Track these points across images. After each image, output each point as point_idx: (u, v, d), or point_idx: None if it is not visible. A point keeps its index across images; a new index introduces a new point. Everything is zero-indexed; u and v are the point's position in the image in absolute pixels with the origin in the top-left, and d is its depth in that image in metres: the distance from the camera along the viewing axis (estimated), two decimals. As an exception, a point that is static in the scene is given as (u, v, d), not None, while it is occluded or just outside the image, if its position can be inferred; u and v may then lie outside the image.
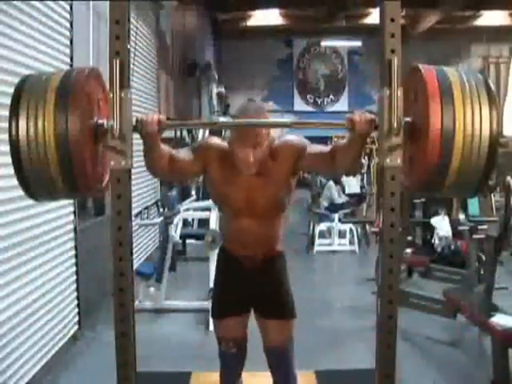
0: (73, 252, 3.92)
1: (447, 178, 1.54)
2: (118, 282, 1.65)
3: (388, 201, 1.62)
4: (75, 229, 3.95)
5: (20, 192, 1.63)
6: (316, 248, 7.25)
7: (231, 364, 2.29)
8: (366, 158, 9.17)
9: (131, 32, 1.74)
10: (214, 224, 4.36)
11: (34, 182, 1.57)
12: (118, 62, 1.58)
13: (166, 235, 4.79)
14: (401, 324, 1.69)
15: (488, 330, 3.22)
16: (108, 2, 1.63)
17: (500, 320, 3.13)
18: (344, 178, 8.27)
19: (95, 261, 4.23)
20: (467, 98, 1.51)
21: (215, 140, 2.10)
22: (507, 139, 7.85)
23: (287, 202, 2.10)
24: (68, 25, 3.85)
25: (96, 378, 3.07)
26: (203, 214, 5.43)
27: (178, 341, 3.97)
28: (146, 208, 6.02)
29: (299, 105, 14.01)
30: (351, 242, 7.34)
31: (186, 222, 6.68)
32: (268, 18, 11.89)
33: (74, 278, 3.93)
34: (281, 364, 2.24)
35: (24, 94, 1.55)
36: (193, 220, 7.44)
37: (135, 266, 4.84)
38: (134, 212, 4.66)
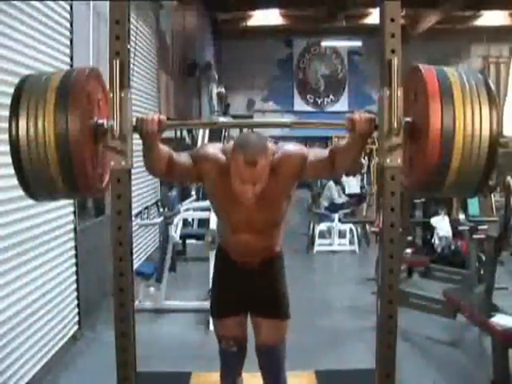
0: (73, 252, 3.92)
1: (447, 178, 1.54)
2: (118, 282, 1.65)
3: (388, 201, 1.62)
4: (75, 229, 3.95)
5: (20, 192, 1.63)
6: (316, 248, 7.25)
7: (231, 362, 2.29)
8: (366, 158, 9.18)
9: (131, 32, 1.73)
10: (214, 224, 4.35)
11: (34, 181, 1.57)
12: (117, 62, 1.58)
13: (166, 235, 4.79)
14: (401, 324, 1.69)
15: (488, 330, 3.22)
16: (108, 2, 1.63)
17: (500, 320, 3.13)
18: (344, 178, 8.27)
19: (95, 261, 4.23)
20: (467, 97, 1.51)
21: (215, 150, 1.99)
22: (507, 139, 7.85)
23: (287, 210, 2.07)
24: (68, 25, 3.85)
25: (96, 378, 3.07)
26: (203, 214, 5.44)
27: (178, 341, 3.97)
28: (146, 208, 6.02)
29: (299, 105, 14.00)
30: (351, 242, 7.34)
31: (185, 222, 6.68)
32: (268, 17, 11.89)
33: (74, 278, 3.93)
34: (272, 365, 2.23)
35: (24, 93, 1.55)
36: (193, 220, 7.43)
37: (135, 266, 4.84)
38: (134, 212, 4.66)
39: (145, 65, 6.40)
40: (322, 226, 7.51)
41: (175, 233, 4.93)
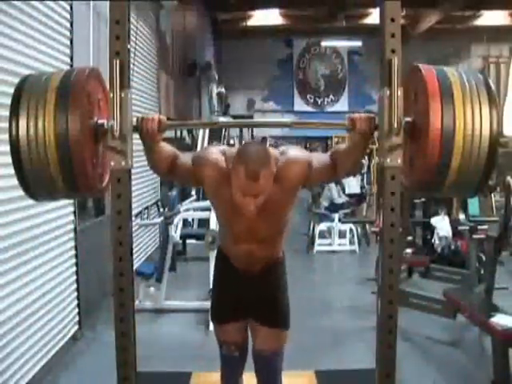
0: (73, 252, 3.92)
1: (447, 178, 1.54)
2: (118, 282, 1.65)
3: (388, 201, 1.62)
4: (75, 229, 3.95)
5: (20, 192, 1.63)
6: (316, 248, 7.25)
7: (233, 366, 2.26)
8: (366, 158, 9.18)
9: (131, 32, 1.73)
10: (214, 224, 4.36)
11: (34, 181, 1.57)
12: (117, 62, 1.58)
13: (166, 235, 4.79)
14: (401, 324, 1.69)
15: (488, 329, 3.22)
16: (108, 2, 1.63)
17: (500, 320, 3.13)
18: (344, 178, 8.27)
19: (95, 261, 4.23)
20: (467, 97, 1.51)
21: (216, 155, 1.91)
22: (507, 139, 7.85)
23: (291, 215, 2.02)
24: (68, 25, 3.85)
25: (96, 378, 3.07)
26: (203, 214, 5.44)
27: (178, 341, 3.97)
28: (146, 208, 6.02)
29: (299, 105, 14.01)
30: (351, 242, 7.34)
31: (185, 222, 6.68)
32: (268, 17, 11.89)
33: (74, 278, 3.93)
34: (267, 373, 2.20)
35: (24, 93, 1.55)
36: (193, 220, 7.43)
37: (135, 266, 4.84)
38: (134, 212, 4.66)
39: (145, 65, 6.40)
40: (322, 226, 7.51)
41: (175, 233, 4.93)
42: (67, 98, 1.53)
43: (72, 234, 3.91)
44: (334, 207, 7.72)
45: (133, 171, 1.68)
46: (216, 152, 1.93)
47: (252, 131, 10.79)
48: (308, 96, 14.13)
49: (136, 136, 1.69)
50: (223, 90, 9.55)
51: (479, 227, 4.56)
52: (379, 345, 1.69)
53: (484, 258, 4.70)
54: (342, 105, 13.99)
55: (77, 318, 3.95)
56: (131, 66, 1.70)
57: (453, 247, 5.89)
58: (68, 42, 3.85)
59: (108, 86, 1.61)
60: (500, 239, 3.68)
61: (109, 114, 1.62)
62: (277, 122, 2.68)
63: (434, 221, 5.99)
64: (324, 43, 13.40)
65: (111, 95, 1.59)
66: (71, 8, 3.89)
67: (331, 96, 14.15)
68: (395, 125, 1.57)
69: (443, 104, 1.50)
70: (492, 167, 1.53)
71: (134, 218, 4.49)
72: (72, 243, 3.91)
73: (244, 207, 1.79)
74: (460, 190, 1.66)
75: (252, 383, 2.24)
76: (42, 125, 1.51)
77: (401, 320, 1.67)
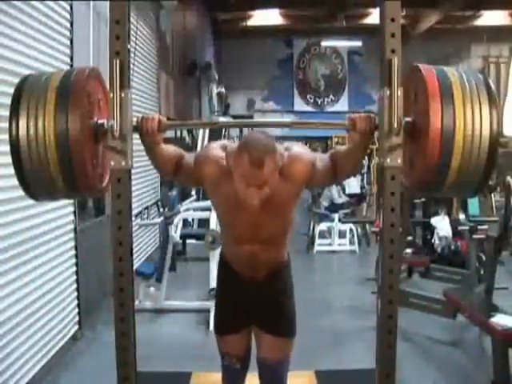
0: (73, 252, 3.92)
1: (447, 178, 1.54)
2: (118, 281, 1.65)
3: (388, 201, 1.62)
4: (75, 229, 3.95)
5: (20, 192, 1.63)
6: (316, 248, 7.25)
7: (233, 376, 2.20)
8: (366, 158, 9.18)
9: (131, 32, 1.73)
10: (214, 224, 4.36)
11: (34, 181, 1.57)
12: (117, 61, 1.58)
13: (166, 235, 4.79)
14: (401, 324, 1.69)
15: (488, 329, 3.22)
16: (108, 2, 1.63)
17: (500, 320, 3.13)
18: (344, 181, 8.28)
19: (95, 261, 4.23)
20: (467, 97, 1.51)
21: (217, 151, 1.86)
22: (507, 139, 7.86)
23: (294, 217, 1.96)
24: (68, 25, 3.85)
25: (96, 378, 3.07)
26: (203, 214, 5.44)
27: (178, 341, 3.97)
28: (146, 208, 6.02)
29: (299, 105, 14.01)
30: (351, 242, 7.34)
31: (185, 222, 6.68)
32: (268, 17, 11.90)
33: (74, 278, 3.93)
34: (273, 381, 2.14)
35: (24, 93, 1.55)
36: (193, 220, 7.44)
37: (135, 266, 4.84)
38: (134, 212, 4.66)
39: (145, 65, 6.40)
40: (322, 226, 7.51)
41: (175, 233, 4.93)
42: (67, 97, 1.53)
43: (72, 234, 3.91)
44: (333, 207, 7.72)
45: (133, 171, 1.68)
46: (216, 148, 1.88)
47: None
48: (308, 96, 14.13)
49: (136, 136, 1.69)
50: (223, 89, 9.56)
51: (479, 227, 4.56)
52: (379, 345, 1.69)
53: (484, 258, 4.70)
54: (342, 105, 13.99)
55: (77, 318, 3.94)
56: (131, 65, 1.70)
57: (453, 247, 5.90)
58: (68, 42, 3.85)
59: (108, 86, 1.61)
60: (500, 239, 3.68)
61: (109, 114, 1.62)
62: (277, 122, 2.67)
63: (434, 221, 5.99)
64: (324, 43, 13.40)
65: (111, 95, 1.59)
66: (71, 8, 3.89)
67: (331, 96, 14.15)
68: (395, 125, 1.57)
69: (443, 104, 1.50)
70: (492, 167, 1.53)
71: (134, 218, 4.49)
72: (72, 243, 3.91)
73: (247, 200, 1.72)
74: (460, 190, 1.66)
75: (252, 383, 2.23)
76: (42, 125, 1.51)
77: (401, 320, 1.67)
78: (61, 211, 3.69)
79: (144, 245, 6.39)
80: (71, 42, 3.89)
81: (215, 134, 7.94)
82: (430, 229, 6.10)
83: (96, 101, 1.66)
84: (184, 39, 8.99)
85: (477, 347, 3.77)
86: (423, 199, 6.29)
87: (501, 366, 3.02)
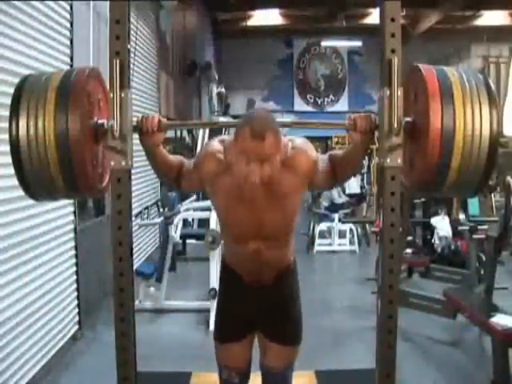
0: (73, 252, 3.92)
1: (447, 178, 1.54)
2: (118, 281, 1.65)
3: (388, 201, 1.62)
4: (75, 229, 3.95)
5: (20, 192, 1.63)
6: (316, 248, 7.25)
7: None
8: (366, 157, 9.19)
9: (131, 32, 1.73)
10: (214, 224, 4.36)
11: (34, 181, 1.57)
12: (117, 61, 1.58)
13: (166, 235, 4.79)
14: (401, 324, 1.69)
15: (488, 329, 3.22)
16: (108, 2, 1.63)
17: (500, 320, 3.13)
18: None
19: (95, 261, 4.23)
20: (467, 97, 1.51)
21: (213, 146, 1.83)
22: (507, 139, 7.87)
23: (298, 216, 1.89)
24: (68, 25, 3.85)
25: (96, 378, 3.07)
26: (203, 214, 5.44)
27: (178, 341, 3.97)
28: (146, 208, 6.02)
29: (299, 105, 14.03)
30: (351, 242, 7.34)
31: (185, 222, 6.68)
32: (268, 17, 11.91)
33: (74, 278, 3.93)
34: None
35: (24, 93, 1.55)
36: (193, 220, 7.44)
37: (135, 266, 4.84)
38: (134, 212, 4.66)
39: (145, 65, 6.40)
40: (322, 226, 7.51)
41: (175, 233, 4.93)
42: (67, 97, 1.53)
43: (72, 234, 3.91)
44: (334, 207, 7.72)
45: (133, 171, 1.68)
46: (214, 144, 1.84)
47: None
48: (308, 96, 14.14)
49: (136, 136, 1.69)
50: (223, 89, 9.57)
51: (479, 227, 4.56)
52: (379, 345, 1.69)
53: (484, 258, 4.70)
54: (342, 105, 14.01)
55: (77, 318, 3.94)
56: (131, 65, 1.70)
57: (453, 247, 5.90)
58: (68, 42, 3.85)
59: (108, 86, 1.61)
60: (500, 239, 3.68)
61: (109, 114, 1.61)
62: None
63: (433, 221, 5.99)
64: (324, 43, 13.42)
65: (111, 95, 1.59)
66: (71, 8, 3.89)
67: (331, 96, 14.16)
68: (395, 125, 1.57)
69: (443, 104, 1.50)
70: (492, 167, 1.53)
71: (134, 218, 4.49)
72: (72, 243, 3.91)
73: (248, 178, 1.64)
74: (460, 190, 1.66)
75: (253, 383, 2.23)
76: (42, 125, 1.51)
77: (401, 320, 1.67)
78: (61, 211, 3.69)
79: (144, 245, 6.39)
80: (71, 42, 3.89)
81: (215, 134, 7.95)
82: (430, 229, 6.10)
83: (96, 101, 1.66)
84: (184, 39, 8.99)
85: (477, 347, 3.77)
86: (423, 199, 6.29)
87: (501, 366, 3.02)
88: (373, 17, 11.22)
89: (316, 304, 4.72)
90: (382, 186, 1.65)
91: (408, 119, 1.61)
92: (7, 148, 1.55)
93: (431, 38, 11.58)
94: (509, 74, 10.83)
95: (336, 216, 7.35)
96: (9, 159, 1.55)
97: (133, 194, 1.81)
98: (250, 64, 12.99)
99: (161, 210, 5.99)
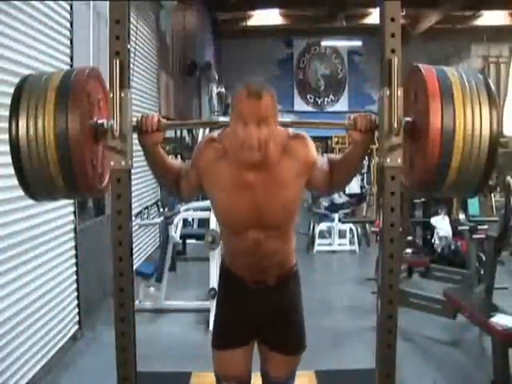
0: (73, 252, 3.92)
1: (447, 178, 1.54)
2: (118, 282, 1.65)
3: (388, 201, 1.62)
4: (75, 229, 3.95)
5: (20, 192, 1.63)
6: (316, 248, 7.25)
7: None
8: (366, 157, 9.19)
9: (131, 32, 1.73)
10: (214, 224, 4.36)
11: (34, 181, 1.57)
12: (117, 61, 1.58)
13: (166, 235, 4.79)
14: (401, 324, 1.69)
15: (488, 329, 3.22)
16: (108, 2, 1.63)
17: (500, 320, 3.13)
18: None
19: (95, 261, 4.23)
20: (467, 97, 1.51)
21: (210, 137, 1.81)
22: (507, 139, 7.87)
23: (299, 210, 1.84)
24: (68, 25, 3.86)
25: (96, 378, 3.07)
26: (203, 214, 5.43)
27: (178, 341, 3.97)
28: (146, 208, 6.02)
29: (299, 105, 14.02)
30: (351, 242, 7.34)
31: (185, 222, 6.68)
32: (268, 17, 11.91)
33: (74, 278, 3.93)
34: None
35: (24, 93, 1.55)
36: (193, 220, 7.44)
37: (135, 266, 4.84)
38: (134, 212, 4.66)
39: (145, 65, 6.40)
40: (322, 226, 7.51)
41: (175, 233, 4.93)
42: (67, 97, 1.53)
43: (72, 234, 3.91)
44: (334, 207, 7.72)
45: (133, 171, 1.68)
46: (209, 136, 1.83)
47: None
48: (308, 96, 14.14)
49: (136, 136, 1.69)
50: (223, 89, 9.56)
51: (479, 227, 4.56)
52: (379, 345, 1.69)
53: (484, 258, 4.70)
54: (342, 105, 14.01)
55: (77, 318, 3.94)
56: (131, 65, 1.70)
57: (453, 247, 5.89)
58: (68, 42, 3.85)
59: (108, 86, 1.61)
60: (500, 239, 3.68)
61: (109, 114, 1.61)
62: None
63: (433, 221, 5.99)
64: (324, 43, 13.42)
65: (111, 95, 1.59)
66: (71, 8, 3.89)
67: (331, 96, 14.16)
68: (395, 125, 1.57)
69: (443, 104, 1.50)
70: (492, 167, 1.53)
71: (134, 218, 4.49)
72: (72, 243, 3.91)
73: (245, 141, 1.61)
74: (460, 190, 1.66)
75: (253, 383, 2.22)
76: (42, 125, 1.51)
77: (401, 320, 1.67)
78: (61, 211, 3.69)
79: (144, 245, 6.39)
80: (71, 42, 3.89)
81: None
82: (430, 229, 6.10)
83: (96, 101, 1.66)
84: (184, 39, 8.99)
85: (477, 347, 3.77)
86: (423, 199, 6.29)
87: (501, 366, 3.02)
88: (373, 17, 11.22)
89: (316, 304, 4.72)
90: (381, 186, 1.65)
91: (408, 119, 1.61)
92: (7, 148, 1.55)
93: (431, 38, 11.58)
94: (509, 73, 10.83)
95: (336, 216, 7.35)
96: (9, 159, 1.55)
97: (133, 194, 1.80)
98: (250, 64, 12.97)
99: (161, 209, 5.99)
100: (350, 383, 3.00)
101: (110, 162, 1.63)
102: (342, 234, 7.46)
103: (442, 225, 5.92)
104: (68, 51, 3.84)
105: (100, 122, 1.63)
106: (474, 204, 5.36)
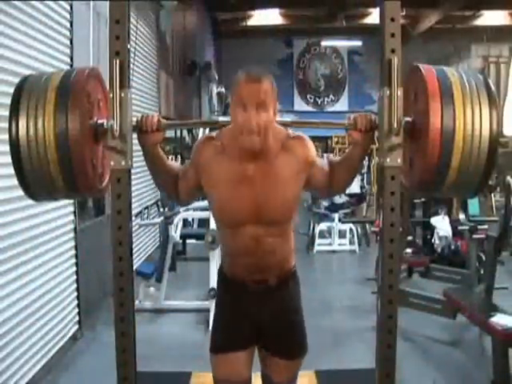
0: (73, 252, 3.92)
1: (447, 178, 1.54)
2: (118, 281, 1.65)
3: (388, 201, 1.62)
4: (75, 229, 3.95)
5: (20, 192, 1.63)
6: (316, 248, 7.25)
7: None
8: (366, 157, 9.19)
9: (131, 32, 1.73)
10: (214, 224, 4.36)
11: (34, 181, 1.57)
12: (117, 61, 1.58)
13: (166, 235, 4.79)
14: (401, 324, 1.69)
15: (488, 329, 3.22)
16: (108, 2, 1.63)
17: (500, 320, 3.13)
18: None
19: (95, 261, 4.23)
20: (467, 97, 1.51)
21: (207, 136, 1.81)
22: (507, 139, 7.88)
23: (297, 208, 1.81)
24: (68, 25, 3.86)
25: (96, 378, 3.07)
26: (203, 214, 5.43)
27: (178, 341, 3.97)
28: (146, 208, 6.02)
29: (299, 105, 14.03)
30: (351, 242, 7.34)
31: (185, 222, 6.68)
32: (268, 17, 11.92)
33: (74, 277, 3.93)
34: None
35: (24, 93, 1.55)
36: (193, 220, 7.44)
37: (135, 266, 4.85)
38: (134, 212, 4.66)
39: (145, 65, 6.40)
40: (322, 226, 7.51)
41: (175, 233, 4.93)
42: (67, 97, 1.53)
43: (72, 234, 3.91)
44: (333, 207, 7.72)
45: (133, 171, 1.68)
46: (206, 136, 1.83)
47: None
48: (308, 96, 14.15)
49: (136, 136, 1.69)
50: (223, 89, 9.57)
51: (479, 227, 4.55)
52: (379, 345, 1.69)
53: (484, 258, 4.70)
54: (342, 105, 14.02)
55: (77, 318, 3.94)
56: (131, 65, 1.70)
57: (453, 247, 5.89)
58: (68, 42, 3.85)
59: (108, 86, 1.61)
60: (500, 239, 3.68)
61: (108, 114, 1.61)
62: (277, 121, 2.62)
63: (433, 221, 5.99)
64: (324, 43, 13.43)
65: (111, 95, 1.59)
66: (71, 8, 3.89)
67: (331, 96, 14.17)
68: (395, 125, 1.57)
69: (443, 104, 1.50)
70: (492, 167, 1.53)
71: (134, 218, 4.49)
72: (72, 243, 3.91)
73: (244, 126, 1.61)
74: (460, 190, 1.66)
75: (254, 383, 2.22)
76: (42, 125, 1.51)
77: (401, 320, 1.67)
78: (61, 211, 3.69)
79: (144, 245, 6.39)
80: (71, 42, 3.89)
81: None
82: (430, 229, 6.10)
83: (96, 101, 1.66)
84: (184, 39, 8.99)
85: (477, 347, 3.77)
86: (423, 199, 6.29)
87: (501, 366, 3.02)
88: (373, 17, 11.23)
89: (316, 304, 4.72)
90: (381, 186, 1.65)
91: (408, 119, 1.61)
92: (7, 148, 1.55)
93: (431, 38, 11.58)
94: (509, 73, 10.84)
95: (336, 216, 7.35)
96: (9, 159, 1.55)
97: (133, 194, 1.80)
98: (250, 64, 12.75)
99: (161, 209, 5.99)
100: (350, 383, 3.00)
101: (110, 162, 1.63)
102: (341, 234, 7.46)
103: (441, 225, 5.91)
104: (68, 51, 3.84)
105: (100, 121, 1.63)
106: (473, 204, 5.36)
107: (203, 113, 10.31)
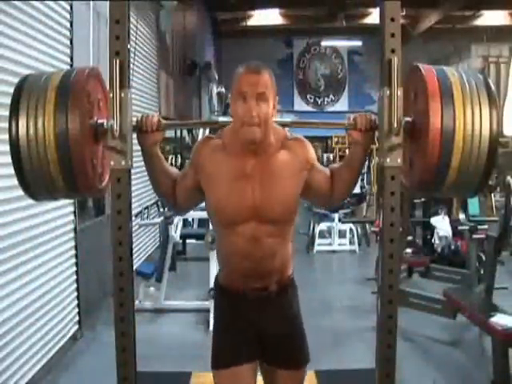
0: (73, 252, 3.92)
1: (447, 178, 1.54)
2: (118, 281, 1.65)
3: (388, 201, 1.62)
4: (75, 229, 3.95)
5: (20, 192, 1.63)
6: (316, 248, 7.26)
7: None
8: (366, 157, 9.20)
9: (131, 32, 1.73)
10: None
11: (34, 181, 1.57)
12: (117, 61, 1.58)
13: (166, 235, 4.79)
14: (401, 324, 1.69)
15: (488, 329, 3.22)
16: (108, 2, 1.63)
17: (500, 320, 3.13)
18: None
19: (95, 261, 4.23)
20: (467, 97, 1.51)
21: (207, 136, 1.81)
22: (507, 139, 7.87)
23: (297, 209, 1.77)
24: (68, 25, 3.86)
25: (96, 378, 3.08)
26: (203, 214, 5.42)
27: (178, 341, 3.97)
28: (146, 208, 6.02)
29: (299, 105, 14.04)
30: (351, 242, 7.34)
31: (185, 222, 6.68)
32: (268, 17, 11.92)
33: (74, 277, 3.93)
34: None
35: (24, 93, 1.55)
36: (193, 220, 7.44)
37: (135, 266, 4.84)
38: (134, 212, 4.65)
39: (145, 65, 6.40)
40: (322, 226, 7.51)
41: (175, 233, 4.93)
42: (67, 97, 1.53)
43: (72, 234, 3.91)
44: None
45: (133, 171, 1.67)
46: (205, 136, 1.83)
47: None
48: (308, 96, 14.15)
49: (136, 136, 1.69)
50: (223, 89, 9.56)
51: (479, 227, 4.56)
52: (379, 345, 1.69)
53: (484, 258, 4.70)
54: (342, 105, 14.02)
55: (77, 318, 3.94)
56: (131, 65, 1.70)
57: (453, 247, 5.90)
58: (68, 42, 3.85)
59: (108, 86, 1.61)
60: (500, 239, 3.68)
61: (108, 114, 1.61)
62: (277, 121, 2.62)
63: (433, 221, 5.99)
64: (324, 43, 13.44)
65: (111, 95, 1.58)
66: (71, 8, 3.89)
67: (331, 96, 14.17)
68: (395, 125, 1.57)
69: (443, 104, 1.50)
70: (492, 167, 1.53)
71: (134, 218, 4.49)
72: (72, 243, 3.91)
73: (244, 116, 1.61)
74: (460, 190, 1.66)
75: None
76: (42, 124, 1.51)
77: (401, 320, 1.67)
78: (61, 211, 3.69)
79: (144, 245, 6.39)
80: (71, 42, 3.89)
81: (215, 133, 7.94)
82: (430, 229, 6.10)
83: (96, 100, 1.66)
84: (184, 39, 8.99)
85: (477, 347, 3.77)
86: (423, 199, 6.29)
87: (501, 366, 3.02)
88: (373, 17, 11.23)
89: (316, 304, 4.72)
90: (381, 186, 1.65)
91: (408, 119, 1.61)
92: (7, 148, 1.55)
93: (431, 38, 11.59)
94: (509, 73, 10.83)
95: (336, 216, 7.35)
96: (9, 159, 1.55)
97: (133, 194, 1.80)
98: (250, 64, 12.98)
99: (161, 209, 5.99)
100: (350, 383, 3.00)
101: (110, 162, 1.62)
102: (341, 234, 7.46)
103: (441, 225, 5.92)
104: (68, 51, 3.85)
105: (100, 121, 1.63)
106: (474, 204, 5.36)
107: (203, 113, 10.32)
